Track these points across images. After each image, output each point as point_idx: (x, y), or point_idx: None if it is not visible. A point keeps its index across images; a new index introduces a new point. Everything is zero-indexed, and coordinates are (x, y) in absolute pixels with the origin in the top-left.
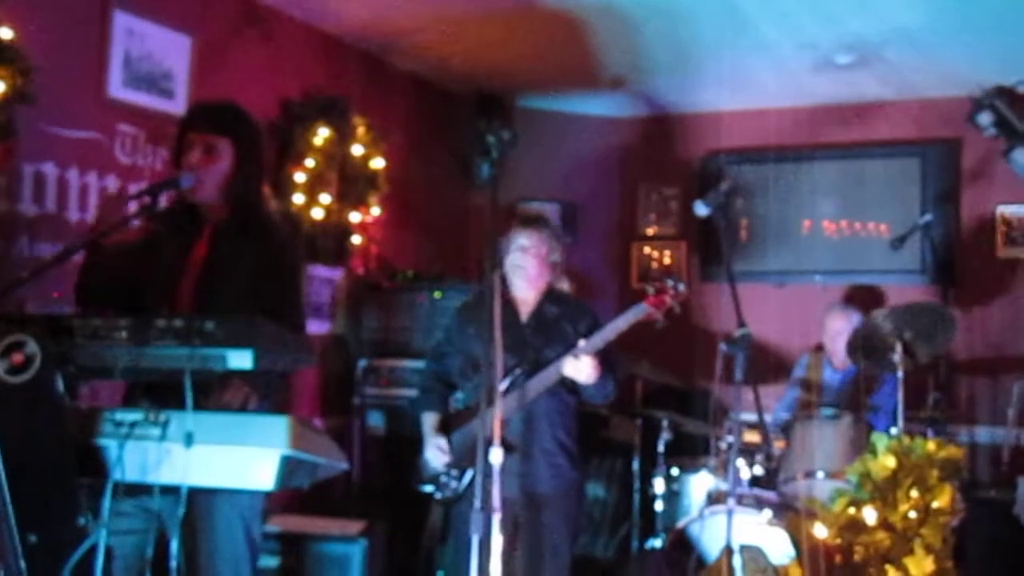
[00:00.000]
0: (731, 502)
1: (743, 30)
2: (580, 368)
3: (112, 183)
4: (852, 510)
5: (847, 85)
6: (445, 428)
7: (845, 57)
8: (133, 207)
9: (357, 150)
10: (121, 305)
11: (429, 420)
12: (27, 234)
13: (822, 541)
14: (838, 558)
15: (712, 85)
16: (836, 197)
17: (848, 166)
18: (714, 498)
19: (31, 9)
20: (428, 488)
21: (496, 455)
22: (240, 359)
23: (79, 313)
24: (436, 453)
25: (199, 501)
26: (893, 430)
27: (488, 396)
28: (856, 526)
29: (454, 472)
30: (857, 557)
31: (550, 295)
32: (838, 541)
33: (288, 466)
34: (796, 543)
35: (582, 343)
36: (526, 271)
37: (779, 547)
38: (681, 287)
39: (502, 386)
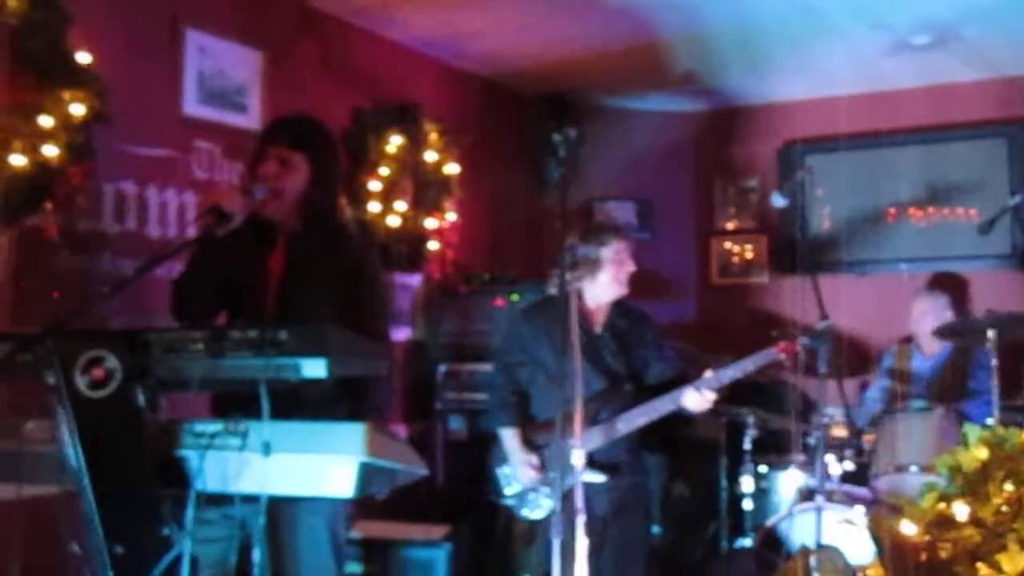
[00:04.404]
0: (819, 499)
1: (813, 16)
2: (700, 401)
3: (190, 199)
4: (942, 505)
5: (925, 67)
6: (526, 442)
7: (921, 38)
8: (205, 221)
9: (430, 156)
10: (210, 309)
11: (512, 436)
12: (109, 251)
13: (906, 538)
14: (923, 556)
15: (785, 74)
16: (921, 182)
17: (932, 150)
18: (804, 495)
19: (106, 32)
20: (510, 502)
21: (579, 457)
22: (314, 368)
23: (156, 327)
24: (527, 470)
25: (283, 509)
26: (989, 420)
27: (567, 409)
28: (945, 522)
29: (543, 489)
30: (944, 554)
31: (618, 305)
32: (927, 538)
33: (366, 473)
34: (877, 541)
35: (708, 374)
36: (626, 279)
37: (865, 545)
38: (807, 340)
39: (587, 412)
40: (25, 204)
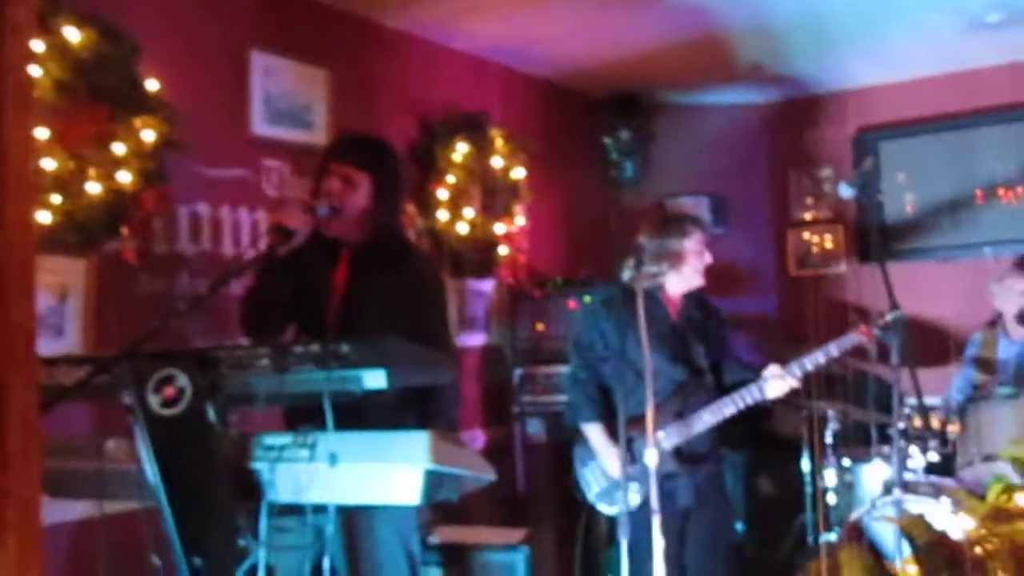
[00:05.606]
0: (896, 492)
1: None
2: (783, 388)
3: (262, 217)
4: (1004, 498)
5: (1002, 44)
6: (612, 436)
7: (995, 15)
8: (270, 239)
9: (497, 162)
10: (279, 323)
11: (599, 431)
12: (187, 272)
13: (942, 535)
14: (965, 552)
15: (856, 60)
16: (1010, 162)
17: (1018, 128)
18: (889, 487)
19: (173, 59)
20: (595, 500)
21: (653, 457)
22: (375, 379)
23: (223, 344)
24: (616, 464)
25: (356, 518)
26: None
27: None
28: (1000, 515)
29: (631, 485)
30: (990, 547)
31: (690, 296)
32: (982, 532)
33: (432, 480)
34: (909, 539)
35: (792, 365)
36: (704, 270)
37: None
38: (878, 332)
39: (672, 404)
40: (102, 230)
